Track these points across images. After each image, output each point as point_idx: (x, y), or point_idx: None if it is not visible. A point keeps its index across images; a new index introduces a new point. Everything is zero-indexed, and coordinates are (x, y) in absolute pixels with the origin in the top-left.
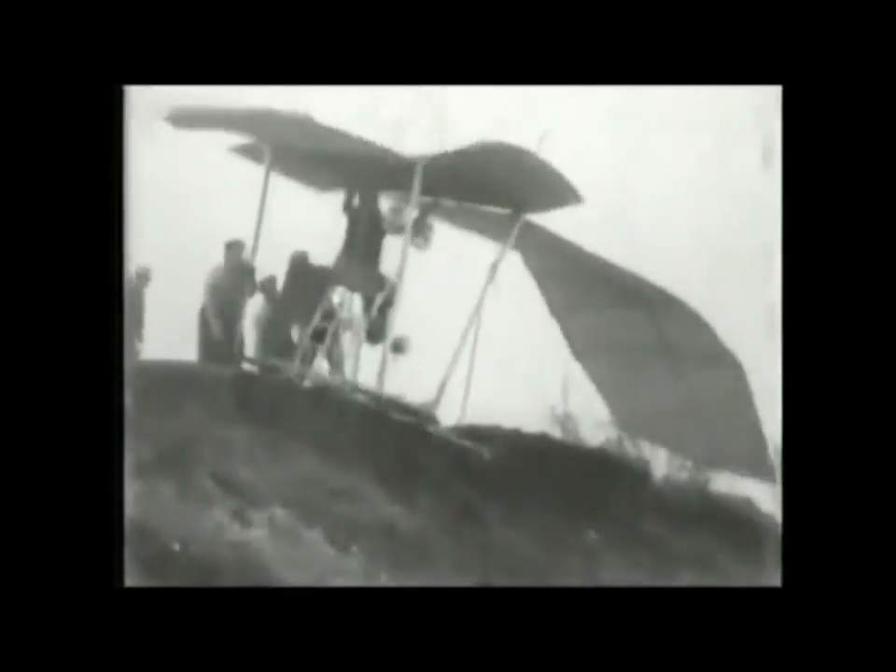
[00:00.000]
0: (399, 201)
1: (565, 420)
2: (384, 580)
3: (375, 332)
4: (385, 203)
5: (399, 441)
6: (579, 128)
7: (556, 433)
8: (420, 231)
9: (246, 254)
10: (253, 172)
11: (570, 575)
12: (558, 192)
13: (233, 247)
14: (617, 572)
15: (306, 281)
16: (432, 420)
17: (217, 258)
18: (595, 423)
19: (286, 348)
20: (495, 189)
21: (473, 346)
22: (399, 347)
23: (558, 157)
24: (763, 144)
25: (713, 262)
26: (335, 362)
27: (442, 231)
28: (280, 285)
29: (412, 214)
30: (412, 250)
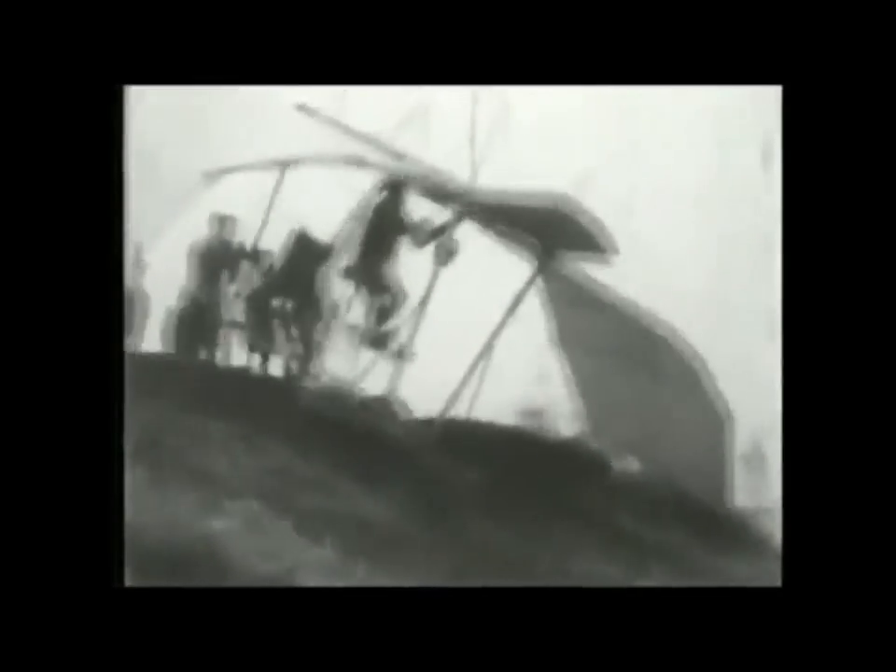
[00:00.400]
0: (429, 215)
1: (538, 413)
2: (359, 573)
3: (374, 337)
4: (414, 208)
5: (376, 439)
6: (578, 127)
7: (529, 425)
8: (443, 246)
9: (241, 231)
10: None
11: (544, 568)
12: (597, 243)
13: (223, 221)
14: (592, 564)
15: (305, 261)
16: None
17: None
18: (568, 415)
19: (266, 329)
20: (532, 230)
21: (481, 353)
22: (401, 354)
23: (558, 157)
24: (763, 144)
25: (712, 262)
26: (303, 355)
27: (469, 246)
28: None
29: (439, 227)
30: (434, 265)
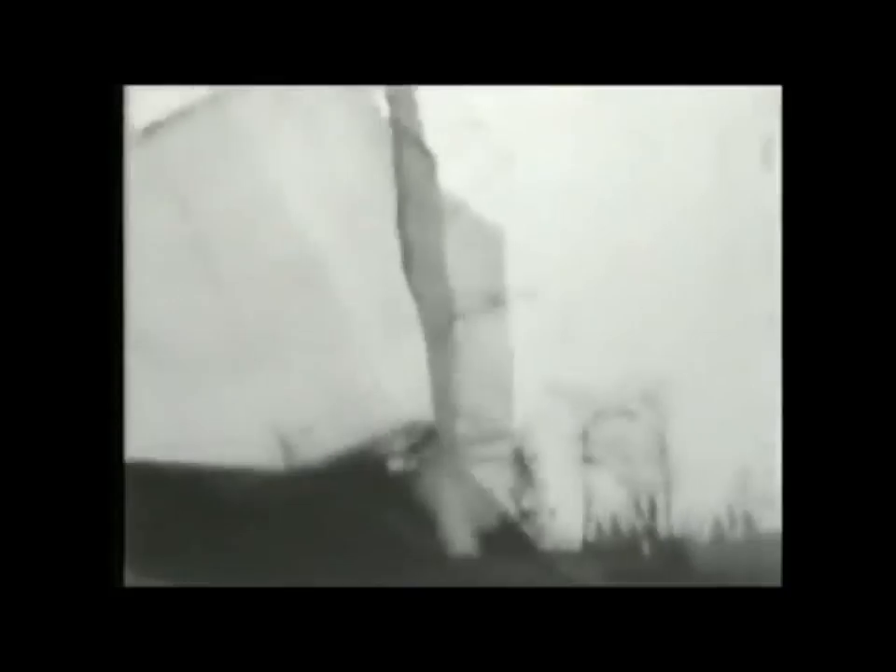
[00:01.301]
0: None
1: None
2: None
3: None
4: None
5: None
6: (578, 127)
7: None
8: None
9: None
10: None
11: (315, 572)
12: None
13: None
14: (350, 563)
15: None
16: None
17: None
18: None
19: None
20: None
21: None
22: None
23: (556, 157)
24: (763, 144)
25: (712, 262)
26: None
27: None
28: None
29: None
30: None
